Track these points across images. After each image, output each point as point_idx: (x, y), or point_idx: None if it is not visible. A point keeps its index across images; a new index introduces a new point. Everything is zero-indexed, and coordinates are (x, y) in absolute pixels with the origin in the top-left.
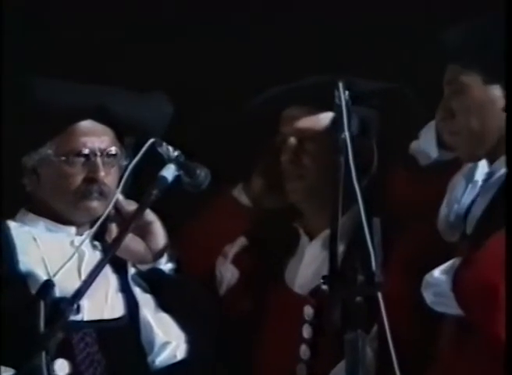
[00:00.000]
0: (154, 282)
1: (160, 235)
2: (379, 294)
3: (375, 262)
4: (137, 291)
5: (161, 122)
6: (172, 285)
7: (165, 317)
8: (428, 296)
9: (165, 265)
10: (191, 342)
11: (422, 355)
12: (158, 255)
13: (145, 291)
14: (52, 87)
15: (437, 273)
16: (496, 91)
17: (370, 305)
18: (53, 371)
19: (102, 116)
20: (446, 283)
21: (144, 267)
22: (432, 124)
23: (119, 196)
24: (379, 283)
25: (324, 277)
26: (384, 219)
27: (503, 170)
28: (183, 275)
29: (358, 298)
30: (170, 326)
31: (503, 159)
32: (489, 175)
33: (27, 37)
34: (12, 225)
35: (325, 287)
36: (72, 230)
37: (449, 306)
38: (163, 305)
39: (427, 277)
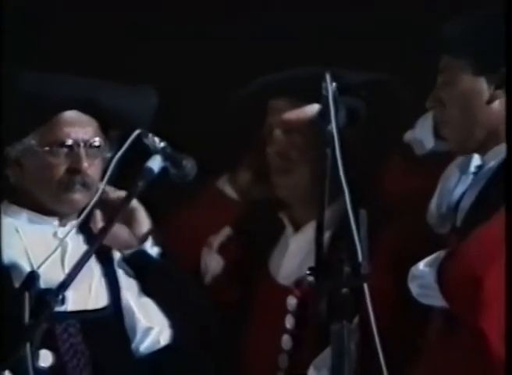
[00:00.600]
0: (139, 265)
1: (144, 221)
2: (365, 286)
3: (362, 253)
4: (122, 277)
5: (146, 114)
6: (157, 268)
7: (148, 302)
8: (413, 288)
9: (152, 249)
10: (175, 327)
11: (408, 346)
12: (142, 240)
13: (130, 276)
14: (37, 78)
15: (422, 265)
16: (484, 84)
17: (356, 296)
18: (37, 362)
19: (87, 107)
20: (431, 275)
21: (128, 251)
22: (429, 114)
23: (105, 185)
24: (365, 274)
25: (310, 269)
26: (373, 211)
27: (492, 163)
28: (168, 259)
29: (344, 290)
30: (153, 311)
31: (492, 153)
32: (479, 167)
33: (19, 31)
34: None
35: (311, 278)
36: (55, 221)
37: (435, 298)
38: (147, 289)
39: (412, 270)
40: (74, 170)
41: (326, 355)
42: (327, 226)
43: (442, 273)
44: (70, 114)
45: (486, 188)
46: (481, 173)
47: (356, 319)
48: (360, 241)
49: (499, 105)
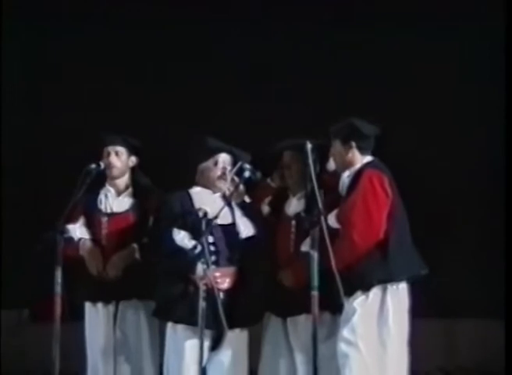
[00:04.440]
0: (242, 205)
1: (243, 189)
2: (322, 217)
3: (321, 205)
4: (235, 209)
5: (247, 161)
6: (249, 206)
7: (245, 219)
8: (330, 222)
9: (246, 198)
10: (256, 228)
11: (336, 238)
12: (243, 196)
13: (238, 210)
14: (212, 141)
15: (330, 215)
16: (343, 148)
17: (319, 220)
18: (207, 242)
19: (230, 153)
20: (333, 217)
21: (238, 200)
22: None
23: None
24: (322, 212)
25: (304, 210)
26: (322, 191)
27: (352, 173)
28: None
29: (315, 218)
30: (246, 222)
31: (351, 169)
32: (348, 176)
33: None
34: (191, 191)
35: (303, 214)
36: (211, 191)
37: (337, 224)
38: (245, 214)
39: (329, 216)
40: (224, 173)
41: (308, 239)
42: (307, 196)
43: (337, 216)
44: (224, 154)
45: (350, 183)
46: (349, 176)
47: (318, 227)
48: (320, 201)
49: (350, 154)
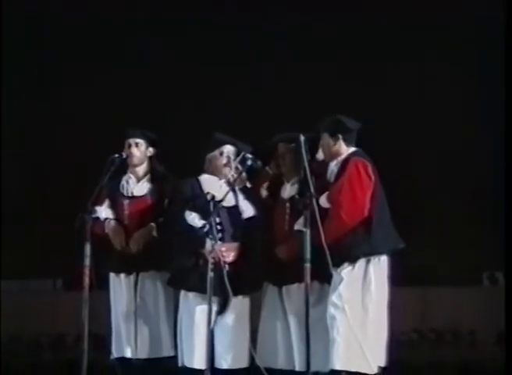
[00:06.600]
0: (244, 190)
1: (244, 176)
2: (314, 199)
3: (312, 189)
4: (239, 194)
5: (247, 151)
6: (250, 190)
7: (246, 202)
8: (321, 202)
9: (248, 185)
10: (256, 209)
11: (325, 217)
12: (244, 182)
13: (241, 194)
14: (219, 134)
15: (321, 197)
16: (331, 140)
17: (311, 202)
18: (215, 221)
19: (235, 146)
20: (324, 199)
21: (241, 185)
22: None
23: (234, 169)
24: (314, 196)
25: (298, 193)
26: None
27: (339, 162)
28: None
29: (307, 200)
30: (247, 204)
31: (338, 158)
32: (336, 164)
33: None
34: (201, 177)
35: (297, 196)
36: (217, 178)
37: (327, 204)
38: (246, 198)
39: (320, 198)
40: (228, 162)
41: (301, 219)
42: (300, 182)
43: (327, 198)
44: (229, 146)
45: (338, 170)
46: (336, 164)
47: (309, 208)
48: (312, 186)
49: (337, 145)
